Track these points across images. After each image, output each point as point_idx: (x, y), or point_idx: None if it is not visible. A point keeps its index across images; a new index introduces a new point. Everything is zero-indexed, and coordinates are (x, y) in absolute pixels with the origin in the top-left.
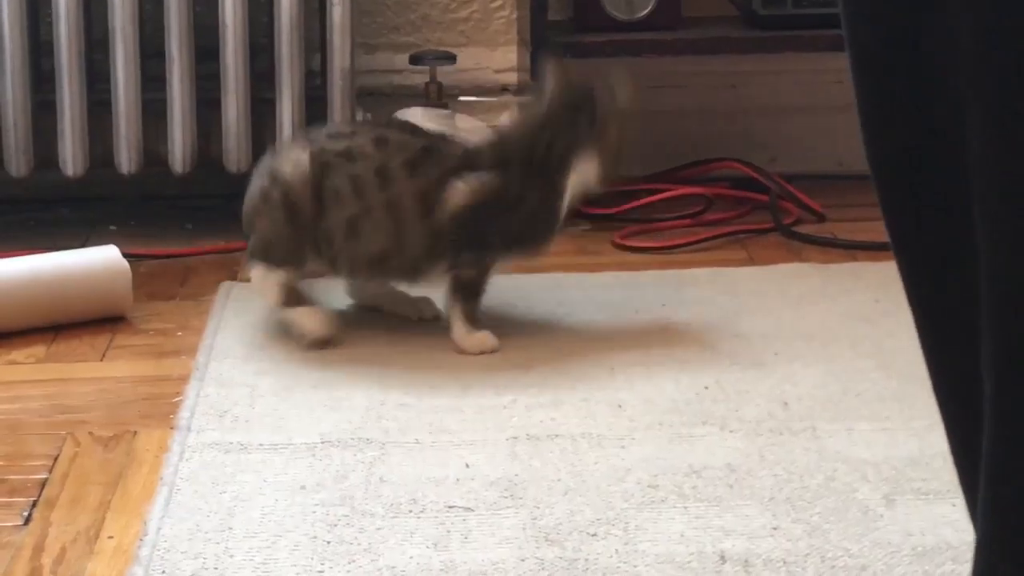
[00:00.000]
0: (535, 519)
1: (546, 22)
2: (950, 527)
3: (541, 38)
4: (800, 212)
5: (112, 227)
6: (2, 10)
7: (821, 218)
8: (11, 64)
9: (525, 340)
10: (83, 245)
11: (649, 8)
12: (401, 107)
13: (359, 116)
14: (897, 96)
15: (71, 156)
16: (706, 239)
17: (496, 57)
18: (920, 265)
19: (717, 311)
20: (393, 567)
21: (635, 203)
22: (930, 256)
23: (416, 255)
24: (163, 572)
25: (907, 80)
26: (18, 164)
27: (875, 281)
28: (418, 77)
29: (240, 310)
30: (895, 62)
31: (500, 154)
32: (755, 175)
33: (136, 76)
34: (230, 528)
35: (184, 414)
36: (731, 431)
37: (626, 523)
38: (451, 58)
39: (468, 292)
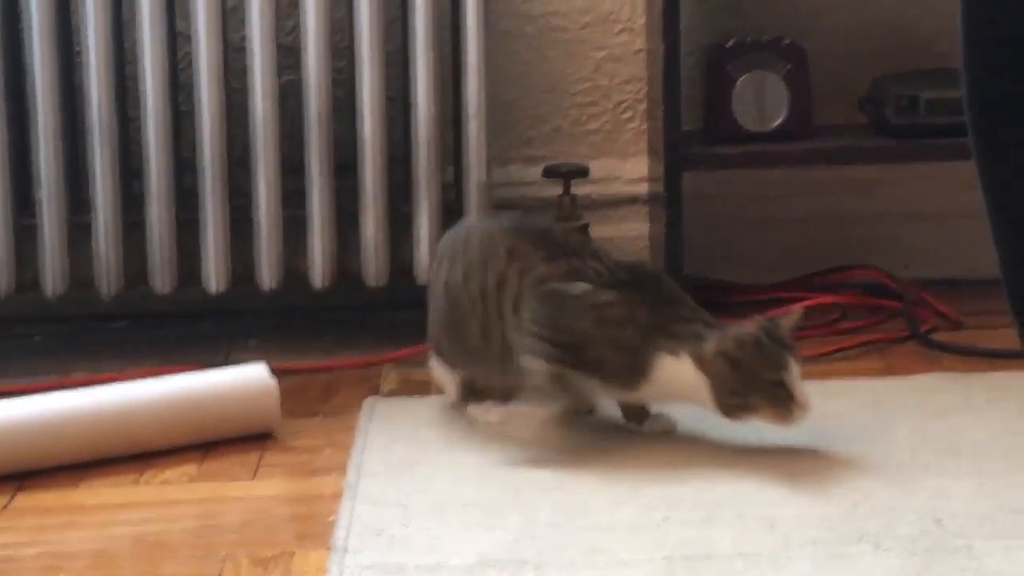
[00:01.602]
0: None
1: (680, 133)
2: None
3: (673, 148)
4: (935, 319)
5: (252, 341)
6: (147, 129)
7: (956, 325)
8: (156, 183)
9: (672, 454)
10: (224, 360)
11: (781, 118)
12: None
13: None
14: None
15: (214, 273)
16: (842, 349)
17: (627, 168)
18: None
19: (859, 423)
20: None
21: (769, 313)
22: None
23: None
24: None
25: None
26: (162, 281)
27: (1020, 391)
28: (551, 189)
29: (385, 426)
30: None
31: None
32: (888, 281)
33: (277, 192)
34: None
35: (339, 534)
36: (886, 549)
37: None
38: (584, 171)
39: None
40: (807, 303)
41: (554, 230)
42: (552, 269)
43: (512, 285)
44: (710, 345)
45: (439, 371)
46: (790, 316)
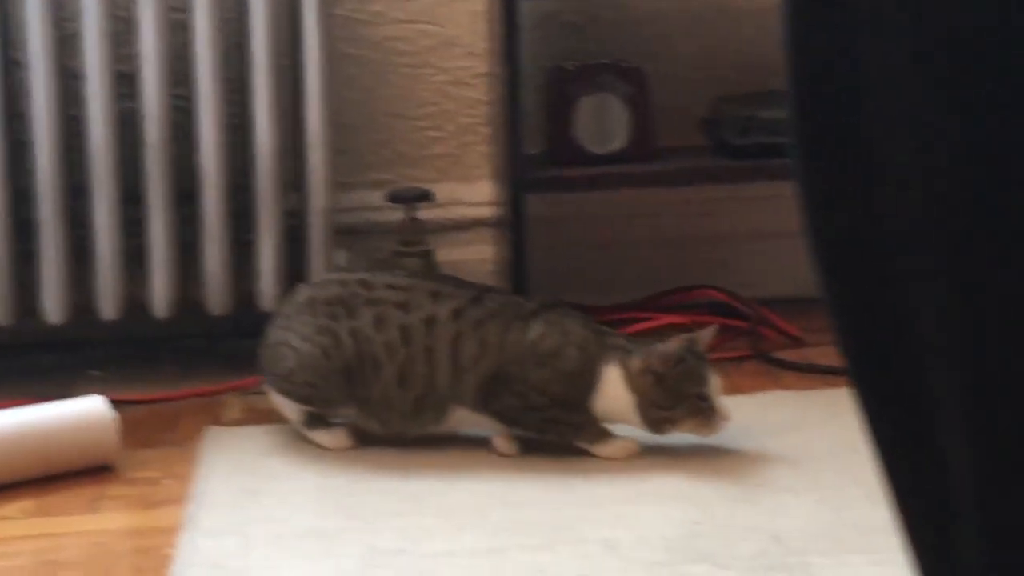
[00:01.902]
0: None
1: (521, 156)
2: None
3: (516, 172)
4: (777, 337)
5: (95, 372)
6: None
7: (799, 342)
8: None
9: (513, 475)
10: (67, 392)
11: (623, 140)
12: (379, 244)
13: (338, 256)
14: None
15: (53, 304)
16: None
17: (472, 191)
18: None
19: (702, 442)
20: None
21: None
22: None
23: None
24: None
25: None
26: (2, 312)
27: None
28: (396, 214)
29: (227, 456)
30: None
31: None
32: (733, 301)
33: (117, 221)
34: None
35: (178, 567)
36: (725, 567)
37: None
38: (428, 195)
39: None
40: (654, 324)
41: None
42: (482, 311)
43: (446, 326)
44: (636, 362)
45: (283, 405)
46: (705, 332)
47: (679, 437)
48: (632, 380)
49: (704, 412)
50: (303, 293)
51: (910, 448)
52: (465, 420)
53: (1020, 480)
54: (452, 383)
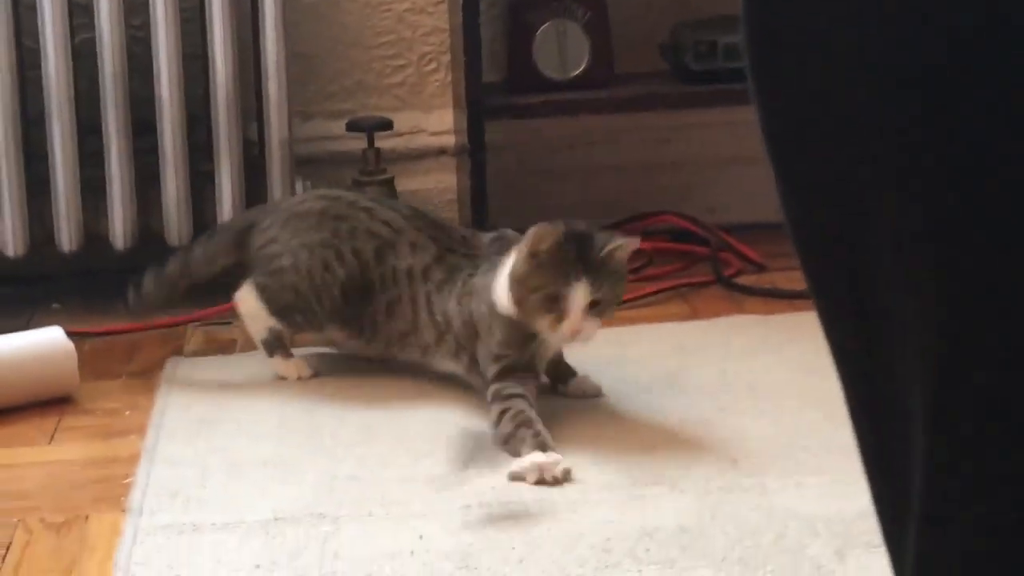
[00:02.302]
0: None
1: (480, 84)
2: None
3: (476, 100)
4: (740, 263)
5: (55, 305)
6: None
7: (761, 268)
8: None
9: (472, 403)
10: (27, 324)
11: (582, 67)
12: (340, 174)
13: (298, 185)
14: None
15: (11, 237)
16: (648, 295)
17: (432, 120)
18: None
19: (663, 367)
20: None
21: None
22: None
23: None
24: None
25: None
26: None
27: (817, 330)
28: (356, 143)
29: (187, 387)
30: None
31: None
32: (694, 228)
33: (74, 154)
34: None
35: (135, 496)
36: (681, 491)
37: None
38: (388, 124)
39: None
40: None
41: (443, 222)
42: (443, 271)
43: (419, 283)
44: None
45: (255, 316)
46: (628, 241)
47: (635, 361)
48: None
49: (552, 312)
50: (313, 202)
51: (864, 364)
52: (454, 366)
53: (967, 391)
54: (436, 339)
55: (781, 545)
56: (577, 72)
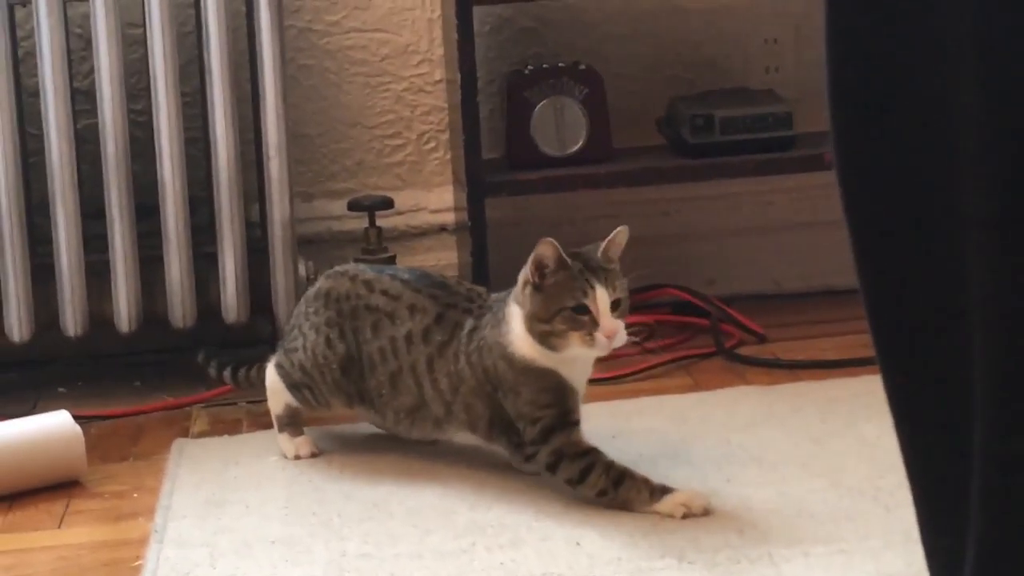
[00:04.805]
0: None
1: (480, 161)
2: None
3: (475, 177)
4: (741, 334)
5: (61, 389)
6: None
7: (762, 339)
8: None
9: (480, 478)
10: (33, 408)
11: (580, 143)
12: (343, 253)
13: (301, 266)
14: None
15: (17, 322)
16: (651, 367)
17: (432, 198)
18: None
19: (666, 439)
20: None
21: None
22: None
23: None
24: None
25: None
26: None
27: (820, 400)
28: (357, 222)
29: (194, 467)
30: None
31: None
32: (694, 300)
33: (78, 238)
34: None
35: None
36: (689, 563)
37: None
38: (389, 203)
39: None
40: None
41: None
42: (444, 332)
43: (419, 347)
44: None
45: (274, 391)
46: (617, 235)
47: (639, 434)
48: (519, 297)
49: (583, 326)
50: (323, 282)
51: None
52: (470, 438)
53: None
54: (445, 410)
55: None
56: (575, 148)
